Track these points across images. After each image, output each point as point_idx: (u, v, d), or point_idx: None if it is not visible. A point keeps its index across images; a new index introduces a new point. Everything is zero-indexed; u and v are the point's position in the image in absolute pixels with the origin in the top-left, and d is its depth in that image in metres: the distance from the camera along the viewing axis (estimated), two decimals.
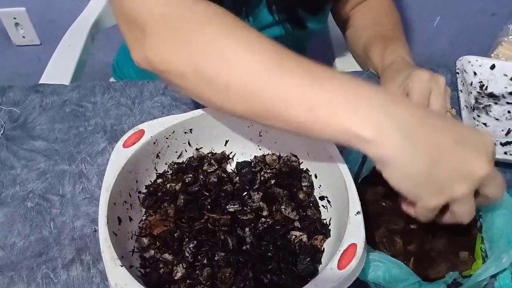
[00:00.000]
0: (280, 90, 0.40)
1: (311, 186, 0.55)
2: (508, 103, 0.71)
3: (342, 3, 0.81)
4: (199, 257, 0.48)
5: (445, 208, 0.43)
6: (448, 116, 0.55)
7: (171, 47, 0.43)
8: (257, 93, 0.40)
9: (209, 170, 0.56)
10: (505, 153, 0.62)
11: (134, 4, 0.45)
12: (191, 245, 0.47)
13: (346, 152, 0.59)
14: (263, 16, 0.70)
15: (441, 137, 0.40)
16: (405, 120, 0.39)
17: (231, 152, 0.58)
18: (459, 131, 0.41)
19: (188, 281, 0.46)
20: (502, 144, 0.65)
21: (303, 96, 0.39)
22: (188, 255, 0.47)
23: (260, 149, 0.58)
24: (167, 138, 0.54)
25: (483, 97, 0.72)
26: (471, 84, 0.72)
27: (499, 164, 0.62)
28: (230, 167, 0.58)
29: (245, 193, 0.54)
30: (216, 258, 0.47)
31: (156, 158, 0.54)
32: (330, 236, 0.50)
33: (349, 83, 0.40)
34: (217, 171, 0.56)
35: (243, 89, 0.41)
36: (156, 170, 0.55)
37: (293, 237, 0.50)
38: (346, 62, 0.92)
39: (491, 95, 0.72)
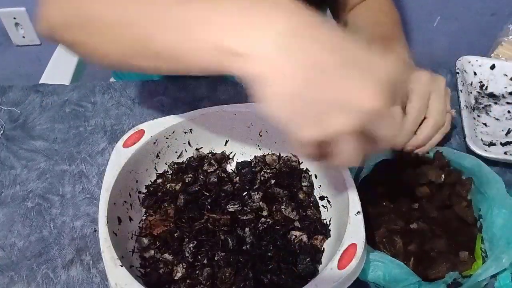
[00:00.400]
0: (148, 18, 0.36)
1: (311, 186, 0.55)
2: (508, 103, 0.71)
3: (341, 3, 0.81)
4: (199, 257, 0.48)
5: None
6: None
7: (55, 7, 0.43)
8: (127, 26, 0.37)
9: (209, 170, 0.56)
10: (505, 153, 0.62)
11: None
12: (191, 245, 0.47)
13: None
14: None
15: (326, 54, 0.32)
16: (283, 29, 0.32)
17: (231, 152, 0.58)
18: (352, 51, 0.33)
19: (188, 281, 0.46)
20: (502, 144, 0.65)
21: (168, 20, 0.35)
22: (188, 255, 0.47)
23: (260, 149, 0.58)
24: (167, 138, 0.54)
25: (483, 97, 0.72)
26: (471, 84, 0.72)
27: (499, 164, 0.62)
28: (230, 167, 0.58)
29: (245, 193, 0.54)
30: (216, 258, 0.47)
31: (156, 158, 0.54)
32: (330, 236, 0.50)
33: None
34: (217, 171, 0.56)
35: (114, 24, 0.38)
36: (156, 170, 0.55)
37: (293, 237, 0.50)
38: None
39: (491, 95, 0.72)
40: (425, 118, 0.58)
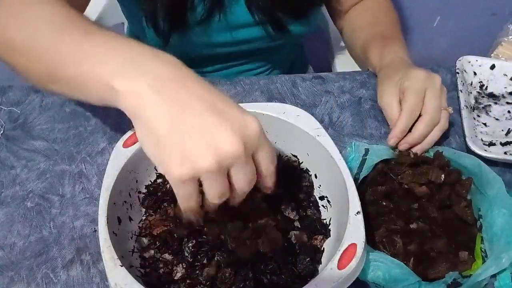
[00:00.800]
0: (58, 48, 0.41)
1: (311, 186, 0.55)
2: (508, 103, 0.71)
3: (339, 3, 0.81)
4: (199, 257, 0.48)
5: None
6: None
7: None
8: (42, 53, 0.42)
9: None
10: (505, 153, 0.62)
11: None
12: (190, 244, 0.47)
13: (346, 152, 0.59)
14: (239, 15, 0.69)
15: (194, 100, 0.36)
16: (160, 75, 0.37)
17: None
18: (219, 101, 0.37)
19: (188, 281, 0.46)
20: (502, 144, 0.65)
21: (73, 52, 0.40)
22: (187, 254, 0.47)
23: None
24: None
25: (483, 97, 0.72)
26: (471, 84, 0.72)
27: (499, 164, 0.62)
28: None
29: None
30: (216, 258, 0.47)
31: None
32: (330, 236, 0.50)
33: (118, 40, 0.40)
34: None
35: (31, 50, 0.43)
36: (156, 170, 0.55)
37: (293, 237, 0.50)
38: (346, 62, 0.93)
39: (491, 95, 0.72)
40: (420, 115, 0.58)
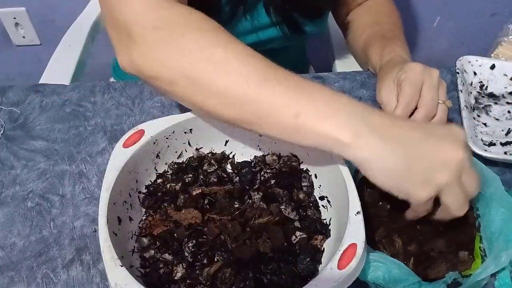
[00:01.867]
0: (270, 97, 0.42)
1: (311, 186, 0.55)
2: (508, 103, 0.71)
3: (342, 4, 0.81)
4: (199, 257, 0.48)
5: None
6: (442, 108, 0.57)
7: (161, 54, 0.45)
8: (248, 100, 0.43)
9: (209, 170, 0.56)
10: (505, 153, 0.62)
11: (123, 9, 0.46)
12: (190, 244, 0.47)
13: None
14: (261, 17, 0.70)
15: (412, 132, 0.43)
16: (378, 124, 0.43)
17: (231, 152, 0.58)
18: (427, 126, 0.45)
19: (188, 281, 0.46)
20: (502, 144, 0.64)
21: (290, 104, 0.42)
22: (187, 254, 0.47)
23: (260, 149, 0.58)
24: (167, 138, 0.54)
25: (483, 97, 0.72)
26: (471, 84, 0.72)
27: (499, 164, 0.62)
28: (230, 167, 0.58)
29: (245, 193, 0.54)
30: (216, 258, 0.47)
31: (156, 158, 0.54)
32: (330, 236, 0.50)
33: (332, 94, 0.44)
34: (217, 171, 0.56)
35: (234, 96, 0.43)
36: (156, 170, 0.55)
37: (293, 237, 0.50)
38: (346, 62, 0.92)
39: (491, 95, 0.72)
40: (417, 108, 0.57)
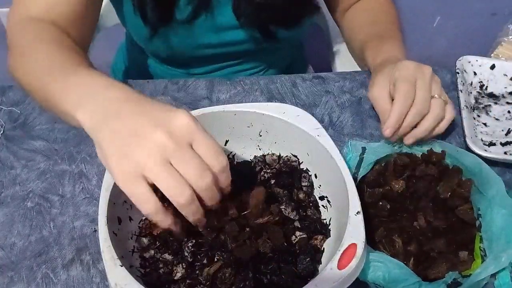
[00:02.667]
0: (49, 88, 0.49)
1: (311, 186, 0.55)
2: (508, 103, 0.71)
3: (338, 2, 0.81)
4: (199, 257, 0.48)
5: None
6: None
7: (12, 63, 0.57)
8: (42, 92, 0.50)
9: None
10: (505, 153, 0.62)
11: (7, 22, 0.60)
12: (190, 244, 0.47)
13: (343, 152, 0.59)
14: (227, 17, 0.69)
15: (125, 108, 0.42)
16: (103, 97, 0.44)
17: (231, 152, 0.58)
18: (146, 107, 0.42)
19: (188, 281, 0.46)
20: (502, 144, 0.64)
21: (55, 91, 0.48)
22: (187, 254, 0.47)
23: (260, 149, 0.58)
24: None
25: (483, 97, 0.72)
26: (471, 84, 0.72)
27: (499, 164, 0.62)
28: (230, 167, 0.58)
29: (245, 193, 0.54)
30: (216, 258, 0.47)
31: None
32: (330, 236, 0.50)
33: (84, 77, 0.47)
34: None
35: (36, 90, 0.52)
36: None
37: (293, 237, 0.50)
38: (346, 62, 0.92)
39: (491, 95, 0.72)
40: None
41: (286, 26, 0.70)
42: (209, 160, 0.41)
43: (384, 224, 0.53)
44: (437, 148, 0.59)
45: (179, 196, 0.39)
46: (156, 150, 0.39)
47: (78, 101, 0.45)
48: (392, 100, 0.58)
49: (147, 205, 0.40)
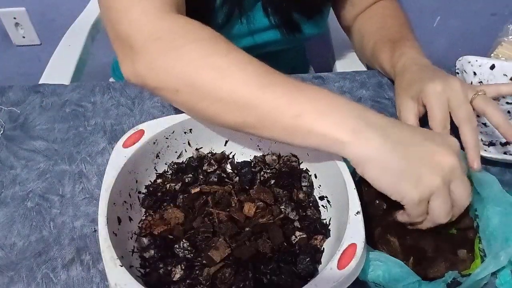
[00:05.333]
0: (270, 100, 0.44)
1: (311, 186, 0.55)
2: (508, 103, 0.71)
3: (346, 10, 0.80)
4: (199, 257, 0.48)
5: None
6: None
7: (164, 65, 0.46)
8: (250, 105, 0.44)
9: (209, 170, 0.56)
10: (505, 153, 0.62)
11: (123, 20, 0.47)
12: (185, 244, 0.47)
13: None
14: (258, 19, 0.70)
15: (410, 133, 0.44)
16: (378, 123, 0.43)
17: (231, 152, 0.58)
18: (426, 132, 0.46)
19: (188, 281, 0.46)
20: (502, 144, 0.64)
21: (290, 106, 0.43)
22: (182, 255, 0.47)
23: (260, 149, 0.58)
24: (167, 138, 0.54)
25: None
26: (471, 84, 0.72)
27: (499, 164, 0.62)
28: (230, 167, 0.58)
29: (245, 193, 0.54)
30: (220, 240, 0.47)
31: (156, 158, 0.54)
32: (330, 236, 0.50)
33: (330, 94, 0.45)
34: (217, 171, 0.56)
35: (236, 102, 0.44)
36: (156, 170, 0.55)
37: (293, 237, 0.50)
38: (346, 62, 0.93)
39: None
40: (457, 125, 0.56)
41: (310, 15, 0.71)
42: (463, 198, 0.46)
43: (382, 224, 0.53)
44: None
45: (443, 218, 0.45)
46: (449, 173, 0.43)
47: (343, 121, 0.43)
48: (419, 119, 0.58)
49: (420, 220, 0.46)
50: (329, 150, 0.44)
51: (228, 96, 0.44)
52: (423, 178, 0.42)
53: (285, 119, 0.43)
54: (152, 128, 0.52)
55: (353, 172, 0.55)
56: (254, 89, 0.44)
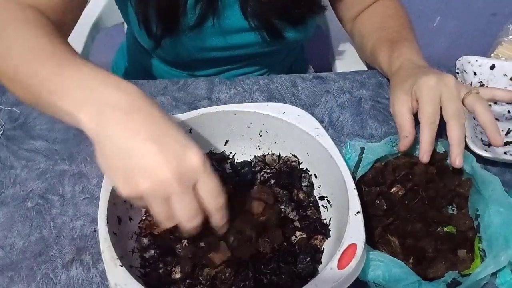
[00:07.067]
0: (38, 78, 0.45)
1: (311, 186, 0.55)
2: (508, 103, 0.71)
3: (347, 9, 0.80)
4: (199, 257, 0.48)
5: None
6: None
7: None
8: (25, 82, 0.46)
9: None
10: (505, 153, 0.62)
11: None
12: (185, 244, 0.47)
13: (342, 153, 0.59)
14: (234, 20, 0.69)
15: (143, 128, 0.40)
16: (117, 105, 0.41)
17: (231, 152, 0.58)
18: (165, 134, 0.40)
19: (188, 281, 0.46)
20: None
21: (48, 83, 0.44)
22: (181, 255, 0.47)
23: (260, 149, 0.58)
24: None
25: None
26: (471, 84, 0.72)
27: (499, 164, 0.62)
28: (230, 167, 0.58)
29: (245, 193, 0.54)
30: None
31: None
32: (330, 236, 0.50)
33: (86, 72, 0.43)
34: (217, 171, 0.56)
35: (17, 79, 0.47)
36: None
37: (293, 237, 0.50)
38: (346, 62, 0.92)
39: None
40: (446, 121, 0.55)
41: (291, 23, 0.70)
42: (208, 199, 0.41)
43: (382, 224, 0.53)
44: (439, 147, 0.59)
45: (162, 223, 0.41)
46: (158, 184, 0.39)
47: (82, 100, 0.41)
48: (414, 115, 0.57)
49: (158, 209, 0.41)
50: (76, 125, 0.42)
51: (9, 75, 0.47)
52: (133, 180, 0.39)
53: (46, 95, 0.44)
54: None
55: (352, 172, 0.55)
56: (26, 67, 0.46)
